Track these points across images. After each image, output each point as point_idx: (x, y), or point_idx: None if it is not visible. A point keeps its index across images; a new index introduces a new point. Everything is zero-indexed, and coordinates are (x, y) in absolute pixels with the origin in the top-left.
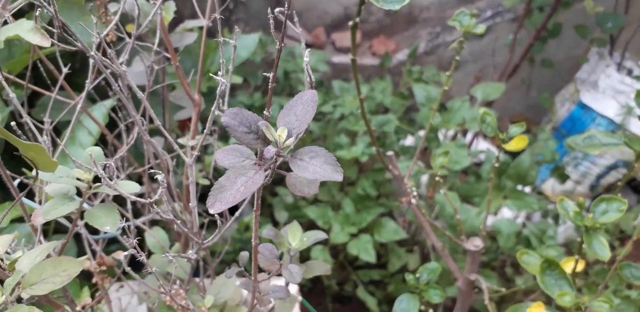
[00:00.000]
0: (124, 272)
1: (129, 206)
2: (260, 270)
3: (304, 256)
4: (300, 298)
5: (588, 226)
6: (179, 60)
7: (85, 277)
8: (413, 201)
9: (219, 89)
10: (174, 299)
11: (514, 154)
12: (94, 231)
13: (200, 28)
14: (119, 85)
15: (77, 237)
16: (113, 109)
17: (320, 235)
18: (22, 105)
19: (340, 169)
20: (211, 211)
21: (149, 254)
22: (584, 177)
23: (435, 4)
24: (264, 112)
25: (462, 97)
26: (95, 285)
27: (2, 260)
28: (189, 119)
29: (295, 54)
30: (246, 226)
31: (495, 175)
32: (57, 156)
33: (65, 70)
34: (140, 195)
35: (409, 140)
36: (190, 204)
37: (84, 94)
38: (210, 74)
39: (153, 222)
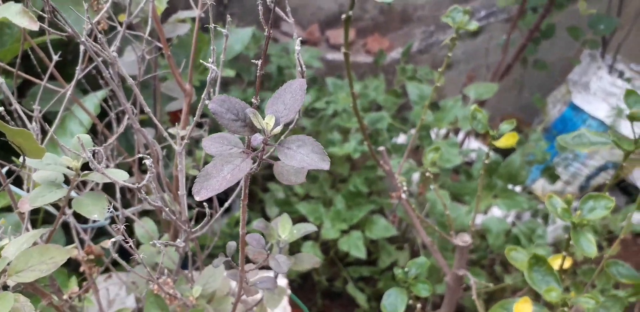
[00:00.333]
0: (113, 263)
1: (118, 195)
2: (248, 260)
3: (295, 252)
4: (289, 291)
5: (575, 223)
6: (172, 52)
7: (73, 268)
8: (403, 195)
9: (209, 76)
10: (162, 287)
11: (505, 154)
12: (83, 220)
13: (193, 19)
14: (109, 73)
15: (66, 227)
16: (104, 99)
17: (310, 227)
18: (12, 93)
19: (327, 158)
20: (197, 198)
21: (138, 244)
22: (574, 178)
23: (430, 3)
24: (252, 99)
25: (455, 96)
26: (82, 274)
27: None
28: (180, 112)
29: (289, 49)
30: (236, 220)
31: (485, 173)
32: (45, 143)
33: (55, 57)
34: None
35: (401, 138)
36: (179, 192)
37: (73, 82)
38: (201, 61)
39: (142, 214)
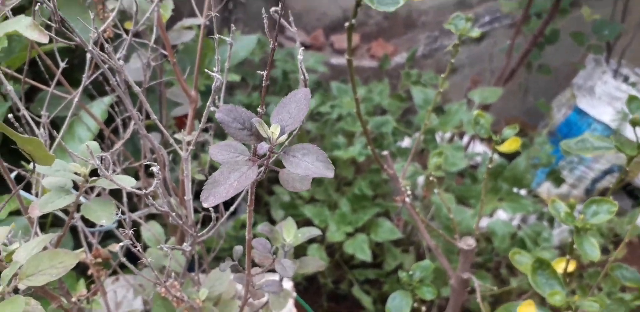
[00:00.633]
0: (120, 265)
1: (125, 199)
2: (254, 264)
3: (301, 255)
4: (294, 294)
5: (579, 227)
6: (177, 59)
7: (81, 270)
8: (407, 199)
9: (214, 84)
10: (169, 290)
11: (510, 157)
12: (90, 224)
13: (199, 26)
14: (116, 80)
15: (74, 230)
16: (111, 105)
17: (314, 231)
18: (20, 99)
19: (332, 166)
20: (205, 205)
21: (145, 247)
22: (580, 181)
23: (434, 8)
24: (258, 109)
25: (459, 100)
26: (90, 277)
27: None
28: (186, 117)
29: (293, 54)
30: (242, 223)
31: (489, 176)
32: (54, 149)
33: (62, 64)
34: (137, 190)
35: (405, 142)
36: (185, 197)
37: (80, 88)
38: (206, 70)
39: (149, 217)
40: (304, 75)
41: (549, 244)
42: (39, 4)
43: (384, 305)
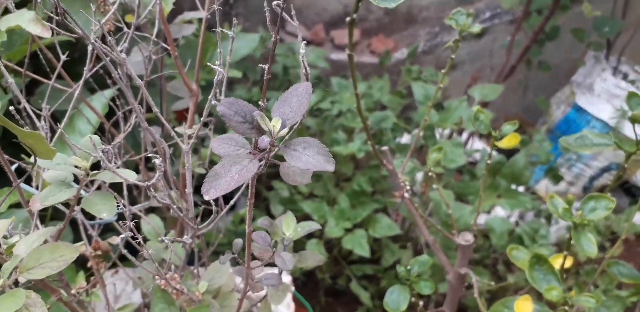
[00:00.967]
0: (121, 257)
1: (125, 192)
2: (254, 258)
3: (299, 250)
4: (293, 288)
5: (576, 223)
6: (178, 54)
7: (80, 263)
8: (406, 194)
9: (216, 78)
10: (169, 282)
11: (509, 154)
12: (90, 217)
13: (199, 20)
14: (118, 73)
15: (73, 223)
16: (112, 98)
17: (314, 225)
18: (21, 92)
19: (332, 159)
20: (206, 197)
21: (145, 240)
22: (578, 179)
23: (435, 4)
24: (259, 102)
25: (459, 97)
26: (90, 270)
27: None
28: (186, 111)
29: (294, 49)
30: (241, 218)
31: (488, 173)
32: (54, 142)
33: (63, 57)
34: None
35: (405, 139)
36: (186, 190)
37: (81, 81)
38: (208, 63)
39: (148, 210)
40: (305, 69)
41: (547, 241)
42: None
43: (382, 300)
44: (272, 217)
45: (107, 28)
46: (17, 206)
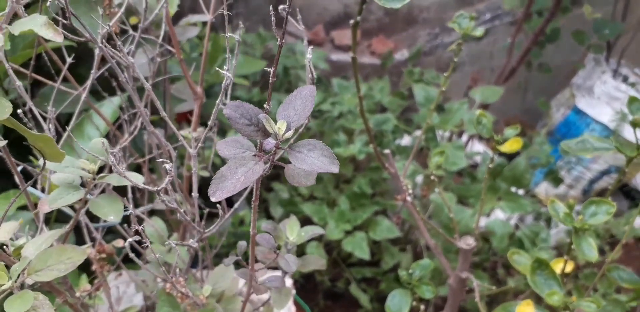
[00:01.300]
0: (126, 259)
1: (130, 195)
2: (257, 260)
3: (299, 252)
4: (294, 291)
5: (577, 227)
6: (183, 55)
7: (82, 266)
8: (408, 198)
9: (224, 83)
10: (175, 286)
11: (509, 157)
12: (93, 219)
13: (202, 23)
14: (125, 77)
15: (76, 226)
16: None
17: (317, 230)
18: (27, 93)
19: (337, 161)
20: (212, 199)
21: (144, 243)
22: (577, 182)
23: (435, 5)
24: (265, 105)
25: (459, 98)
26: (92, 273)
27: (6, 246)
28: (189, 113)
29: (295, 50)
30: (240, 220)
31: (489, 176)
32: (61, 144)
33: (69, 60)
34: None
35: (405, 140)
36: (192, 194)
37: (88, 84)
38: (217, 69)
39: (151, 213)
40: (312, 73)
41: (547, 245)
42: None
43: (381, 303)
44: (272, 219)
45: (112, 30)
46: (22, 208)
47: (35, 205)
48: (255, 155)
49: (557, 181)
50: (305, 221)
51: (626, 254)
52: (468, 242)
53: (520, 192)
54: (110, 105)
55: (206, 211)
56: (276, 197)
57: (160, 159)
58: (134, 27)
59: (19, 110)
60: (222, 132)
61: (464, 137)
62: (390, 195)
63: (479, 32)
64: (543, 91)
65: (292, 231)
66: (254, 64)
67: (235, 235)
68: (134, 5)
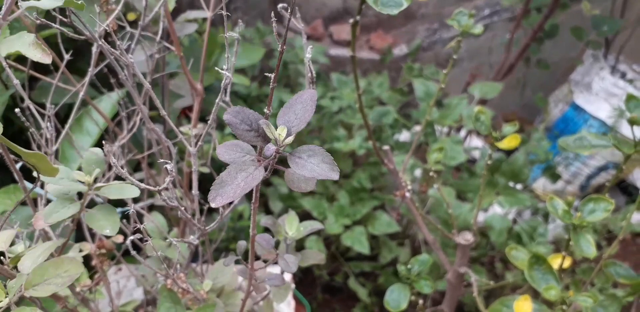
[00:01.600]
0: (126, 253)
1: None
2: (257, 258)
3: (297, 245)
4: (293, 285)
5: (576, 224)
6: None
7: (83, 260)
8: (407, 194)
9: (223, 82)
10: (177, 281)
11: (508, 152)
12: None
13: (199, 18)
14: (125, 75)
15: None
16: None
17: (316, 225)
18: (24, 89)
19: (337, 168)
20: (212, 205)
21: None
22: (575, 177)
23: (434, 1)
24: (264, 110)
25: (457, 93)
26: (93, 267)
27: (3, 256)
28: (187, 109)
29: (294, 45)
30: (239, 214)
31: (487, 171)
32: (60, 141)
33: (67, 57)
34: (139, 181)
35: (403, 136)
36: (192, 192)
37: (87, 82)
38: (217, 68)
39: (150, 208)
40: (311, 72)
41: (545, 239)
42: None
43: (379, 297)
44: (271, 213)
45: (110, 27)
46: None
47: (34, 200)
48: (255, 159)
49: (555, 176)
50: (304, 216)
51: (623, 250)
52: (466, 238)
53: (518, 187)
54: (108, 101)
55: (206, 206)
56: (275, 191)
57: (162, 160)
58: (131, 24)
59: (17, 110)
60: (221, 127)
61: (463, 132)
62: (389, 190)
63: (478, 29)
64: (541, 87)
65: (292, 226)
66: (253, 52)
67: (234, 229)
68: (132, 2)
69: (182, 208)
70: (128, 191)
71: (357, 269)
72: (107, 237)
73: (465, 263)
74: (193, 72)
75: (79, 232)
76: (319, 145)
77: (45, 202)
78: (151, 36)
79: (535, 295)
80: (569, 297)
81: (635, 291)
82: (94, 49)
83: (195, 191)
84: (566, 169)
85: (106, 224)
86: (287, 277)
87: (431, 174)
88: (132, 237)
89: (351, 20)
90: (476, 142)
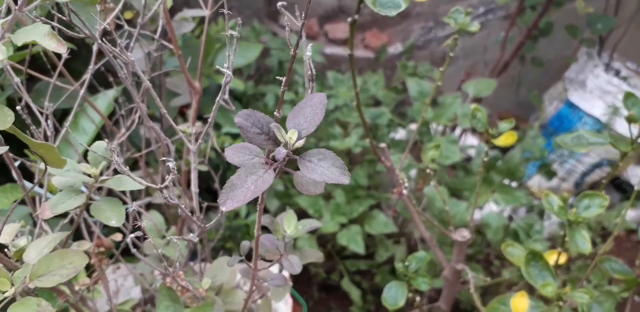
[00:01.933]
0: (124, 252)
1: (128, 190)
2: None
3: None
4: (291, 284)
5: (571, 220)
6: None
7: None
8: (404, 192)
9: (224, 80)
10: (176, 279)
11: (503, 150)
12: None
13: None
14: (124, 73)
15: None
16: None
17: (315, 224)
18: (20, 89)
19: (347, 172)
20: (223, 209)
21: (145, 237)
22: (569, 175)
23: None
24: (275, 113)
25: (452, 91)
26: (92, 266)
27: (8, 249)
28: (185, 106)
29: (290, 43)
30: (235, 213)
31: (483, 169)
32: (59, 140)
33: (64, 56)
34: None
35: (399, 134)
36: (192, 189)
37: (87, 80)
38: (217, 67)
39: (148, 206)
40: (311, 70)
41: (541, 236)
42: None
43: (375, 296)
44: (267, 211)
45: (111, 26)
46: (20, 202)
47: (33, 199)
48: (264, 162)
49: (550, 174)
50: (300, 214)
51: (617, 246)
52: (463, 235)
53: (514, 184)
54: (104, 99)
55: (205, 204)
56: (271, 189)
57: (163, 158)
58: (129, 22)
59: (18, 108)
60: (217, 126)
61: (457, 131)
62: (385, 188)
63: (475, 27)
64: (536, 85)
65: (290, 225)
66: (250, 49)
67: (230, 228)
68: (129, 0)
69: (183, 206)
70: (132, 183)
71: (353, 268)
72: (106, 235)
73: (462, 260)
74: (190, 71)
75: (77, 232)
76: (314, 143)
77: (45, 201)
78: (148, 34)
79: (532, 292)
80: (565, 293)
81: (630, 286)
82: (94, 48)
83: (194, 188)
84: (561, 166)
85: (112, 215)
86: (285, 275)
87: (428, 171)
88: (132, 235)
89: (349, 19)
90: (471, 140)
